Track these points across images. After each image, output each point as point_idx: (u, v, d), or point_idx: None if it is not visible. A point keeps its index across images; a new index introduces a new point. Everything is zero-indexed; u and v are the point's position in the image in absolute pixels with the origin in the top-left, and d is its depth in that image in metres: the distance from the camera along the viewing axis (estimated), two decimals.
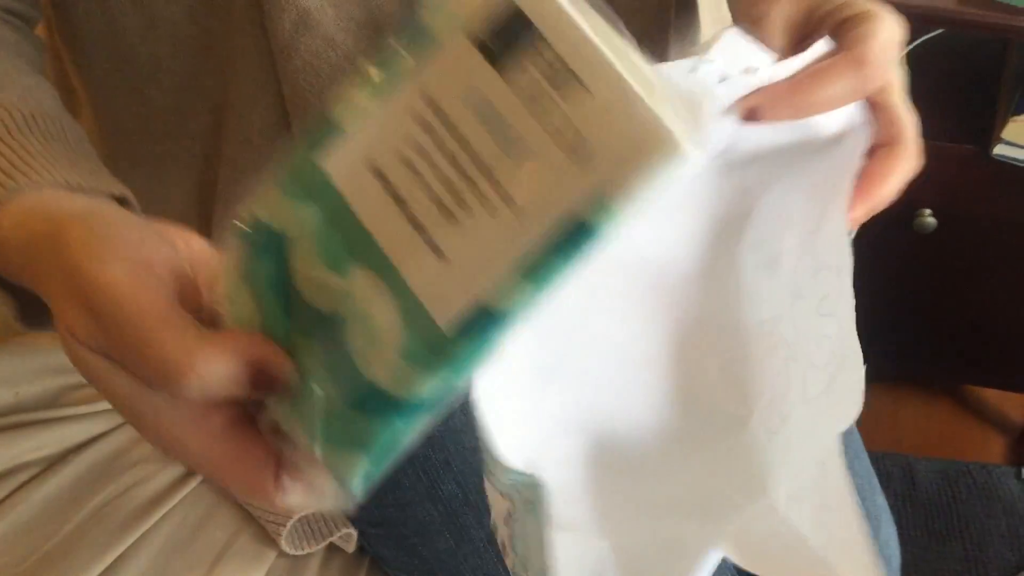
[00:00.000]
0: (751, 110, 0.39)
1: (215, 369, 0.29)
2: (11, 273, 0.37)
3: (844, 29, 0.40)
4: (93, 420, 0.64)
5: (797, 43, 0.43)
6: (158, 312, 0.30)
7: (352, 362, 0.28)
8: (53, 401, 0.64)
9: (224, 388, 0.30)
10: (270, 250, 0.30)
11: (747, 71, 0.38)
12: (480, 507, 0.62)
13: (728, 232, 0.44)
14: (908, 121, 0.43)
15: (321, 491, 0.31)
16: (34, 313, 0.40)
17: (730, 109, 0.38)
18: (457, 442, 0.62)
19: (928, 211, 1.16)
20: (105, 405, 0.64)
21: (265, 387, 0.30)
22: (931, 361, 1.36)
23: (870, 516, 0.70)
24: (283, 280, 0.30)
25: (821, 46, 0.41)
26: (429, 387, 0.27)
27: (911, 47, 1.17)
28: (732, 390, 0.45)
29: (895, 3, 1.04)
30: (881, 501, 0.72)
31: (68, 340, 0.32)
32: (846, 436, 0.71)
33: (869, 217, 0.43)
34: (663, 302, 0.44)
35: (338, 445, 0.29)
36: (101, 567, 0.58)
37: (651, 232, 0.43)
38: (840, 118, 0.42)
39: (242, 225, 0.30)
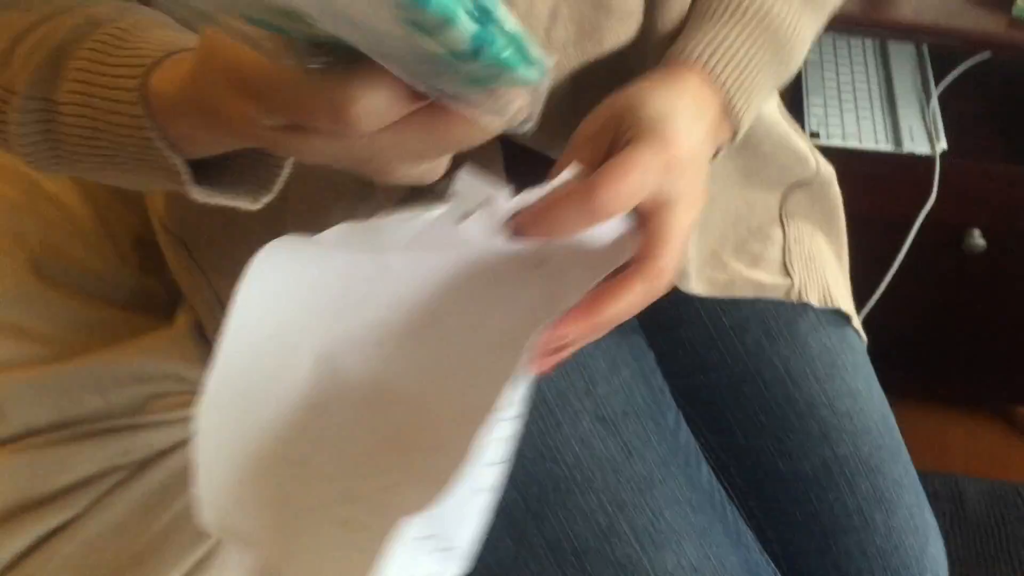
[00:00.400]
0: (516, 228, 0.44)
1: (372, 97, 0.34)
2: (181, 134, 0.43)
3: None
4: (177, 427, 0.68)
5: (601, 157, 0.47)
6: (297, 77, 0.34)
7: None
8: (140, 408, 0.68)
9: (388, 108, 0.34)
10: None
11: (486, 203, 0.42)
12: (540, 514, 0.64)
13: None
14: (666, 242, 0.45)
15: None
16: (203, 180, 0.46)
17: (504, 228, 0.44)
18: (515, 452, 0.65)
19: (977, 232, 1.17)
20: (188, 413, 0.67)
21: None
22: (979, 381, 1.37)
23: (918, 531, 0.71)
24: None
25: (567, 174, 0.44)
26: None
27: (959, 70, 1.18)
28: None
29: (945, 27, 1.06)
30: (930, 517, 0.74)
31: (258, 134, 0.38)
32: (893, 448, 0.73)
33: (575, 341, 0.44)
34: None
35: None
36: (187, 566, 0.62)
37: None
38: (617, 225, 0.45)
39: None
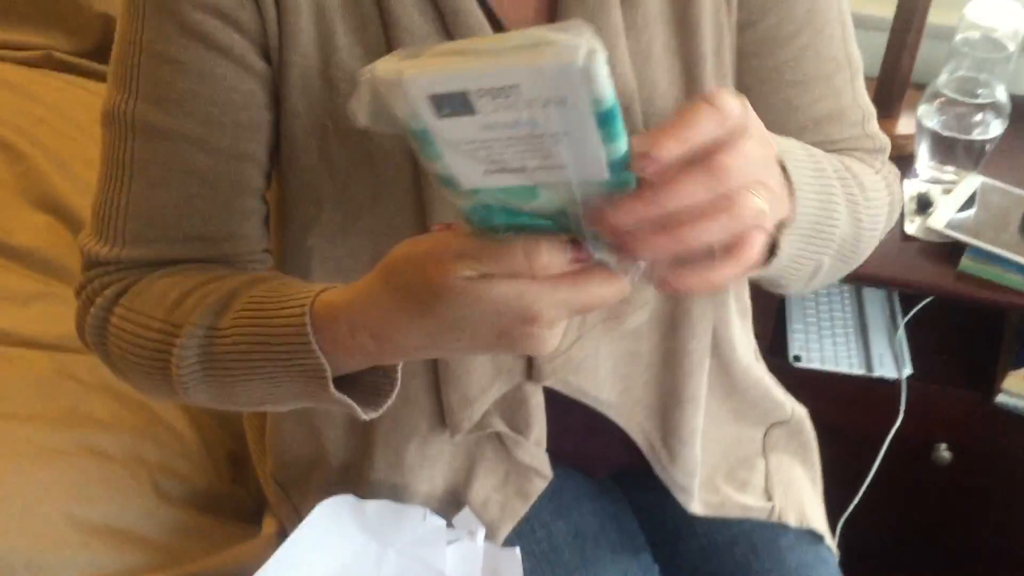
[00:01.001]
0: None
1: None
2: (335, 338, 0.56)
3: None
4: None
5: None
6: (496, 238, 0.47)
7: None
8: None
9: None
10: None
11: (470, 535, 0.60)
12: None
13: None
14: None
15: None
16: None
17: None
18: None
19: (944, 446, 1.32)
20: None
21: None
22: None
23: None
24: None
25: None
26: None
27: (922, 304, 1.37)
28: None
29: (903, 280, 1.26)
30: None
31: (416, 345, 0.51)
32: None
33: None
34: None
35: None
36: None
37: None
38: None
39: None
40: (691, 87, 0.70)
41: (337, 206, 0.69)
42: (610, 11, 0.66)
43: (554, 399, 0.78)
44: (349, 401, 0.60)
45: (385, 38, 0.65)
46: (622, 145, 0.42)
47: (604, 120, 0.40)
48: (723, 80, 0.72)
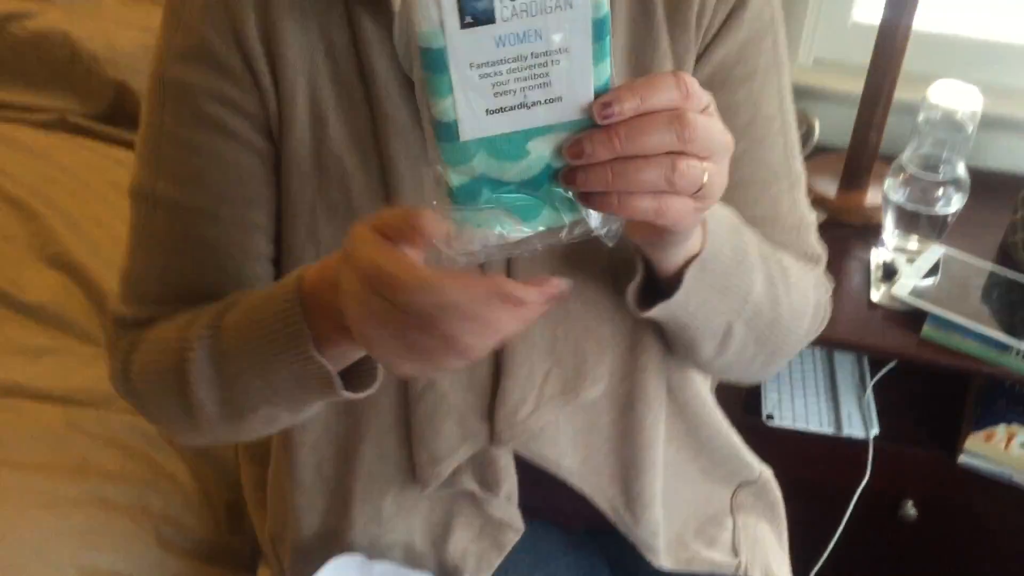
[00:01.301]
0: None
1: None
2: (325, 337, 0.61)
3: None
4: None
5: None
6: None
7: None
8: None
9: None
10: None
11: None
12: None
13: None
14: None
15: None
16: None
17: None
18: None
19: (910, 503, 1.38)
20: None
21: None
22: None
23: None
24: None
25: None
26: None
27: (889, 367, 1.44)
28: None
29: (869, 344, 1.33)
30: None
31: (354, 307, 0.53)
32: None
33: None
34: None
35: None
36: None
37: None
38: None
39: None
40: None
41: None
42: None
43: (524, 457, 0.83)
44: (329, 368, 0.63)
45: (372, 127, 0.72)
46: (607, 68, 0.47)
47: (599, 30, 0.46)
48: None
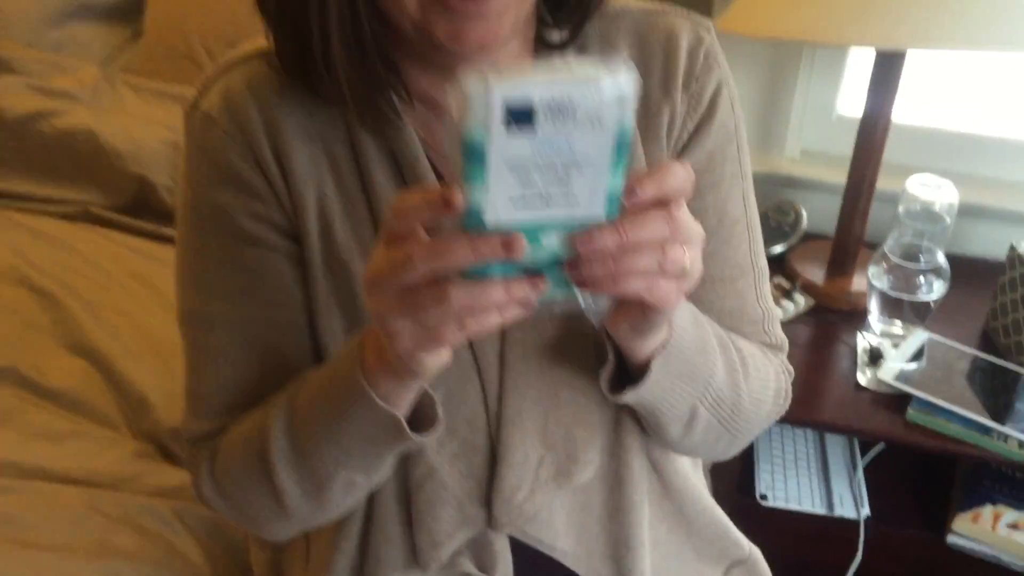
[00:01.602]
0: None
1: None
2: (387, 393, 0.67)
3: None
4: None
5: None
6: None
7: None
8: None
9: None
10: None
11: None
12: None
13: None
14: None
15: None
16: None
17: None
18: None
19: None
20: None
21: None
22: None
23: None
24: None
25: None
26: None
27: (875, 451, 1.48)
28: None
29: (857, 427, 1.38)
30: None
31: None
32: None
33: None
34: None
35: None
36: None
37: None
38: None
39: None
40: None
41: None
42: None
43: (520, 540, 0.87)
44: (394, 412, 0.69)
45: (375, 233, 0.78)
46: (620, 181, 0.54)
47: (620, 149, 0.53)
48: None
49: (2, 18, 1.86)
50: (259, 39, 0.79)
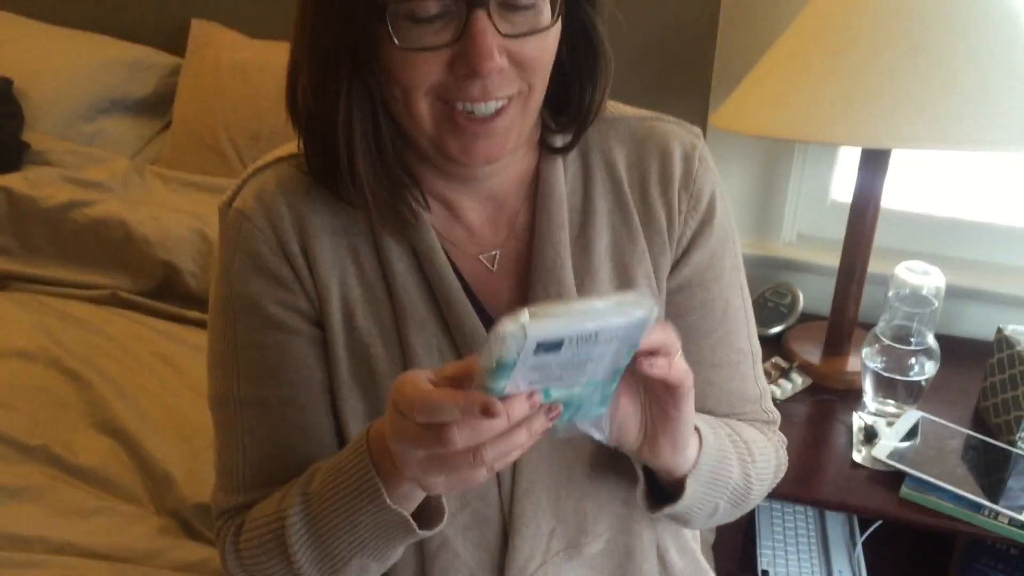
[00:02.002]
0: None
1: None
2: (400, 496, 0.73)
3: None
4: None
5: None
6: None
7: None
8: None
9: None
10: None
11: None
12: None
13: None
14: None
15: None
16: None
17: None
18: None
19: None
20: None
21: None
22: None
23: None
24: None
25: None
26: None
27: (874, 527, 1.52)
28: None
29: (852, 504, 1.43)
30: None
31: (390, 433, 0.66)
32: None
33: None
34: None
35: None
36: None
37: None
38: None
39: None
40: None
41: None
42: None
43: None
44: (404, 513, 0.75)
45: (394, 319, 0.85)
46: (624, 365, 0.65)
47: (631, 353, 0.64)
48: None
49: (40, 113, 1.97)
50: (289, 145, 0.87)
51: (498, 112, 0.77)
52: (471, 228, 0.88)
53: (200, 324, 1.64)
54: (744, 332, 0.94)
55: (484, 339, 0.75)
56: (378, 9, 0.72)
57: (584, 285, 0.88)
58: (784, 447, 0.99)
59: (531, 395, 0.62)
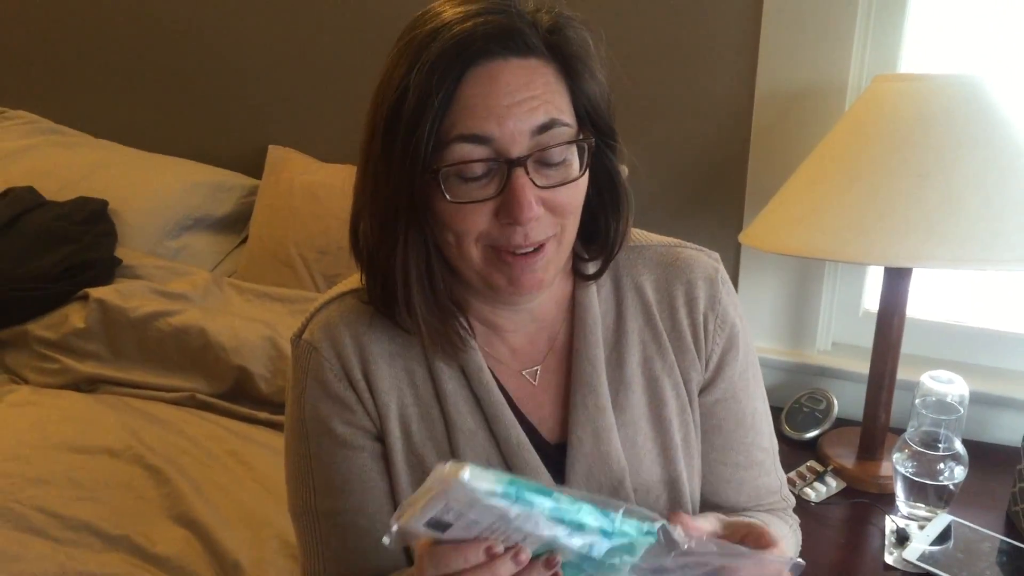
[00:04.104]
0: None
1: None
2: None
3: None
4: None
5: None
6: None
7: None
8: None
9: None
10: None
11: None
12: None
13: None
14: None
15: None
16: None
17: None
18: None
19: None
20: None
21: None
22: None
23: None
24: None
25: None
26: None
27: None
28: None
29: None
30: None
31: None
32: None
33: None
34: None
35: None
36: None
37: None
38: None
39: None
40: (667, 466, 0.98)
41: None
42: (606, 414, 0.96)
43: None
44: None
45: (446, 433, 0.96)
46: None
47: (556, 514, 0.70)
48: (691, 459, 1.00)
49: (131, 231, 2.17)
50: (351, 279, 1.00)
51: (538, 249, 0.88)
52: (514, 348, 0.99)
53: (269, 424, 1.77)
54: (767, 432, 1.04)
55: (528, 449, 0.89)
56: (432, 171, 0.83)
57: (619, 397, 0.97)
58: (798, 525, 1.08)
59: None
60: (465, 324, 0.95)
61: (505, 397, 0.96)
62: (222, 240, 2.28)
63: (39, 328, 1.93)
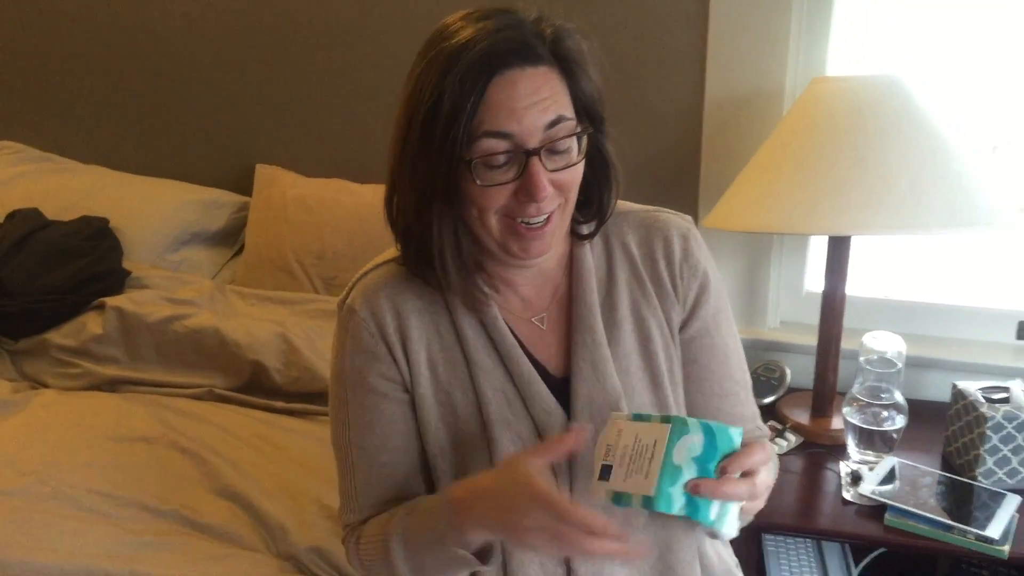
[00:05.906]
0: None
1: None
2: (472, 541, 1.01)
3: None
4: None
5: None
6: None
7: None
8: None
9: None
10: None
11: None
12: None
13: None
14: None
15: None
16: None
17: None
18: None
19: None
20: None
21: None
22: None
23: None
24: None
25: None
26: None
27: (875, 554, 1.77)
28: None
29: (847, 532, 1.74)
30: None
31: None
32: None
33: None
34: None
35: None
36: None
37: None
38: None
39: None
40: (656, 391, 1.16)
41: (447, 461, 1.17)
42: (602, 348, 1.14)
43: None
44: (469, 556, 1.03)
45: (468, 371, 1.14)
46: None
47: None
48: (676, 388, 1.18)
49: (133, 248, 2.30)
50: (384, 253, 1.18)
51: (546, 221, 1.05)
52: (524, 299, 1.17)
53: (287, 412, 1.92)
54: (740, 368, 1.23)
55: (538, 380, 1.09)
56: (464, 161, 1.00)
57: (612, 334, 1.16)
58: (775, 452, 1.28)
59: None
60: (484, 281, 1.14)
61: (517, 340, 1.14)
62: (218, 252, 2.42)
63: (58, 336, 2.05)
